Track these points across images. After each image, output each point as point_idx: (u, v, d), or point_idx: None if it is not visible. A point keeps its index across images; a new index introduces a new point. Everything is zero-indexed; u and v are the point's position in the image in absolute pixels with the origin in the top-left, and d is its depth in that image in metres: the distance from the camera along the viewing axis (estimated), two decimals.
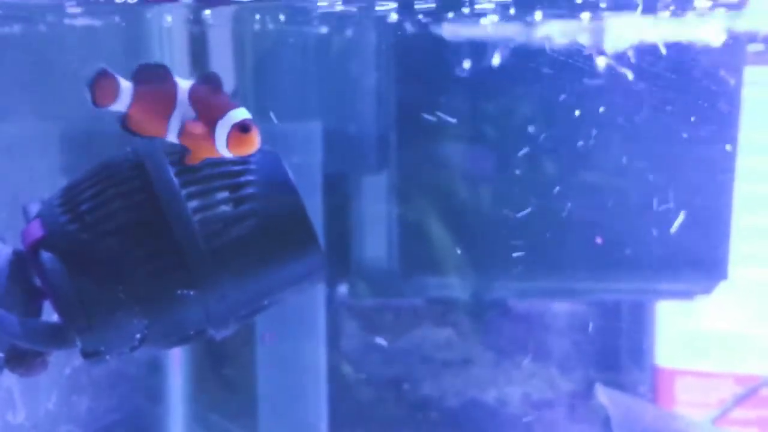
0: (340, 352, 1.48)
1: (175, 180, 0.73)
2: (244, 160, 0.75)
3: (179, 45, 1.29)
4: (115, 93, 0.74)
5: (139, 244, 0.72)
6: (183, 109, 0.73)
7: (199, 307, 0.73)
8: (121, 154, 0.76)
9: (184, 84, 0.74)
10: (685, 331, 1.48)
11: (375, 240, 1.40)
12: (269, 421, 1.36)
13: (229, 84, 1.30)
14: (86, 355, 0.74)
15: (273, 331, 1.33)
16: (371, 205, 1.39)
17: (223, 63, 1.31)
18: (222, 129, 0.72)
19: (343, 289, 1.45)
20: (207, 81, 0.74)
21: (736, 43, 1.27)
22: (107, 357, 0.75)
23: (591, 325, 1.52)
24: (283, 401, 1.36)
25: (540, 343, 1.52)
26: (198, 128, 0.73)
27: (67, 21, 1.12)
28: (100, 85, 0.74)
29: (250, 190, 0.74)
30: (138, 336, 0.73)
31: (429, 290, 1.45)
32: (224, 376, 1.45)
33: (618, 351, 1.53)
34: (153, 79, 0.73)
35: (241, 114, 0.73)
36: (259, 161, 0.76)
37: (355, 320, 1.50)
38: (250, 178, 0.75)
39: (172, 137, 0.73)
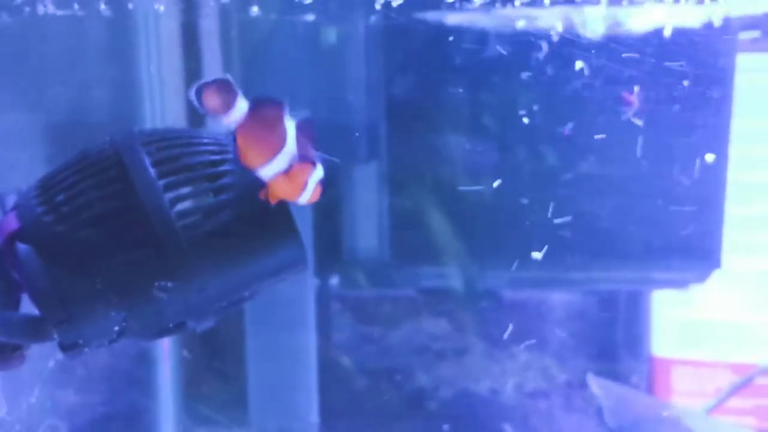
0: (333, 343, 1.48)
1: (153, 170, 0.72)
2: (222, 149, 0.74)
3: (168, 35, 1.28)
4: (228, 104, 0.72)
5: (116, 236, 0.71)
6: (290, 148, 0.72)
7: (178, 298, 0.72)
8: (98, 144, 0.75)
9: (290, 124, 0.72)
10: (682, 321, 1.48)
11: (366, 230, 1.39)
12: (260, 413, 1.35)
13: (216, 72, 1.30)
14: (64, 348, 0.74)
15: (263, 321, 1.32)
16: (362, 195, 1.38)
17: (213, 53, 1.30)
18: (313, 181, 0.72)
19: (335, 280, 1.44)
20: (304, 125, 0.73)
21: (728, 30, 1.26)
22: (86, 350, 0.74)
23: (586, 314, 1.51)
24: (273, 392, 1.36)
25: (535, 333, 1.51)
26: (305, 173, 0.72)
27: (50, 10, 1.11)
28: (218, 91, 0.72)
29: (228, 180, 0.73)
30: (116, 328, 0.73)
31: (421, 280, 1.44)
32: (214, 367, 1.44)
33: (614, 340, 1.52)
34: (267, 110, 0.72)
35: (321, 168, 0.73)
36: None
37: (348, 311, 1.49)
38: (228, 168, 0.74)
39: (268, 171, 0.72)
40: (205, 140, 0.75)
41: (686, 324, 1.47)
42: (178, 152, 0.74)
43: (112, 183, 0.72)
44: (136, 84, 1.22)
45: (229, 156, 0.74)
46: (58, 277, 0.71)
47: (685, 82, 1.22)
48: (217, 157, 0.74)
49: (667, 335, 1.49)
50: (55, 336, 0.72)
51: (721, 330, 1.46)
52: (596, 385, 1.23)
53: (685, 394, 1.48)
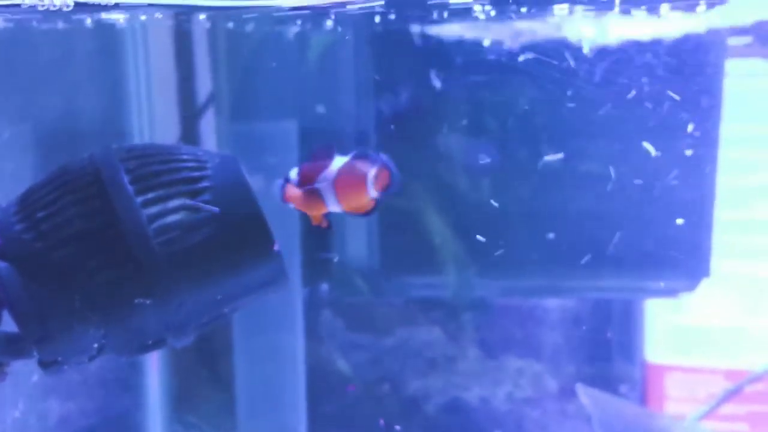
0: (324, 350, 1.47)
1: (130, 187, 0.72)
2: (201, 166, 0.74)
3: (157, 43, 1.28)
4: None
5: (95, 253, 0.71)
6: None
7: (157, 315, 0.72)
8: (78, 161, 0.75)
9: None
10: (675, 327, 1.47)
11: (356, 239, 1.38)
12: (247, 421, 1.35)
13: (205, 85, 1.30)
14: (44, 365, 0.73)
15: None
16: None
17: (203, 62, 1.30)
18: None
19: (325, 288, 1.43)
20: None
21: (717, 35, 1.25)
22: (65, 367, 0.74)
23: (579, 321, 1.51)
24: (261, 401, 1.35)
25: (527, 340, 1.51)
26: None
27: (35, 23, 1.11)
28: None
29: (207, 197, 0.73)
30: (95, 345, 0.73)
31: (411, 290, 1.43)
32: (203, 375, 1.44)
33: (607, 347, 1.51)
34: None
35: None
36: (217, 167, 0.75)
37: (339, 319, 1.49)
38: (207, 184, 0.74)
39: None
40: (185, 156, 0.75)
41: (679, 330, 1.47)
42: (157, 169, 0.73)
43: (91, 200, 0.72)
44: (124, 94, 1.22)
45: (208, 172, 0.74)
46: (37, 295, 0.71)
47: (672, 92, 1.23)
48: (197, 174, 0.74)
49: (660, 341, 1.48)
50: (35, 353, 0.72)
51: (714, 336, 1.46)
52: (585, 395, 1.22)
53: (678, 400, 1.48)
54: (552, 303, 1.51)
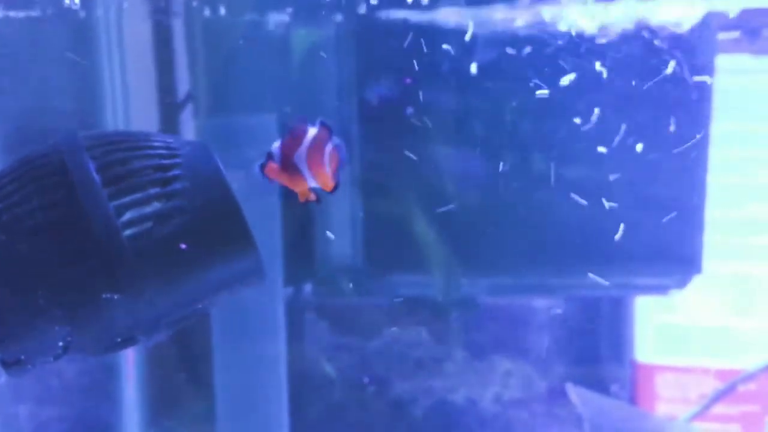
0: (308, 353, 1.44)
1: (97, 177, 0.68)
2: (172, 153, 0.71)
3: (133, 36, 1.24)
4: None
5: (59, 246, 0.67)
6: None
7: (125, 312, 0.68)
8: (41, 149, 0.71)
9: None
10: (665, 326, 1.46)
11: (340, 237, 1.35)
12: (228, 427, 1.31)
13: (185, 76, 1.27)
14: (6, 365, 0.70)
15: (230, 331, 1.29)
16: (335, 201, 1.34)
17: (181, 53, 1.26)
18: None
19: (308, 288, 1.40)
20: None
21: (707, 31, 1.23)
22: (29, 367, 0.71)
23: (567, 321, 1.49)
24: (242, 406, 1.32)
25: (515, 340, 1.48)
26: None
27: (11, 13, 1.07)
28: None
29: (179, 185, 0.70)
30: (61, 344, 0.69)
31: (397, 289, 1.39)
32: (181, 379, 1.40)
33: (596, 347, 1.50)
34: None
35: None
36: (189, 154, 0.71)
37: (323, 320, 1.46)
38: (179, 172, 0.70)
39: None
40: (155, 143, 0.72)
41: (670, 329, 1.46)
42: (124, 156, 0.70)
43: (54, 190, 0.69)
44: (98, 89, 1.18)
45: (179, 160, 0.70)
46: None
47: (663, 85, 1.20)
48: (167, 161, 0.71)
49: (651, 341, 1.47)
50: None
51: (705, 335, 1.45)
52: (576, 395, 1.20)
53: (668, 400, 1.46)
54: (540, 303, 1.48)
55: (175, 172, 0.70)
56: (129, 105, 1.24)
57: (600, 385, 1.45)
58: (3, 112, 1.17)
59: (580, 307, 1.49)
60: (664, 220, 1.25)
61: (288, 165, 0.78)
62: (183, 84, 1.30)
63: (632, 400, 1.47)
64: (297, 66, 1.28)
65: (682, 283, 1.33)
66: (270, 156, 0.79)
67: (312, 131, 0.79)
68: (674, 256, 1.29)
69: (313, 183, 0.80)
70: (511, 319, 1.48)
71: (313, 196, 0.81)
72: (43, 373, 0.71)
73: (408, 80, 1.22)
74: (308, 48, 1.27)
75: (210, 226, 0.69)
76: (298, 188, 0.80)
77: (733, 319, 1.43)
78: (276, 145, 0.79)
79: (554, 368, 1.49)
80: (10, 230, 0.68)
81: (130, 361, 1.30)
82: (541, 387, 1.48)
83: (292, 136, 0.78)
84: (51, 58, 1.17)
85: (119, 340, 0.71)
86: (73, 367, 1.24)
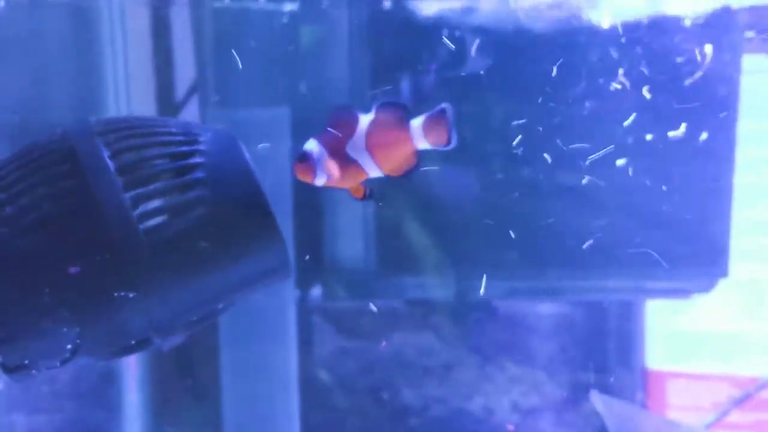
0: (314, 358, 1.39)
1: (111, 164, 0.63)
2: (192, 140, 0.65)
3: (135, 24, 1.19)
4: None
5: (67, 239, 0.62)
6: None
7: (140, 311, 0.63)
8: (48, 136, 0.66)
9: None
10: (677, 331, 1.43)
11: (350, 238, 1.30)
12: None
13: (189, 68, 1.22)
14: (8, 370, 0.64)
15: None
16: (346, 200, 1.29)
17: (185, 44, 1.21)
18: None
19: (316, 291, 1.35)
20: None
21: (734, 30, 1.19)
22: (33, 372, 0.65)
23: (578, 326, 1.45)
24: (250, 413, 1.26)
25: (526, 346, 1.44)
26: None
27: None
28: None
29: (200, 174, 0.64)
30: (69, 347, 0.64)
31: (408, 291, 1.35)
32: (185, 386, 1.35)
33: (606, 353, 1.45)
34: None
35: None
36: (211, 141, 0.66)
37: (330, 324, 1.41)
38: (200, 160, 0.64)
39: None
40: (173, 129, 0.66)
41: (681, 335, 1.42)
42: (140, 142, 0.65)
43: (63, 179, 0.63)
44: (100, 79, 1.13)
45: (201, 146, 0.65)
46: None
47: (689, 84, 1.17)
48: (187, 148, 0.65)
49: (662, 347, 1.44)
50: None
51: (718, 341, 1.41)
52: (600, 402, 1.15)
53: (680, 408, 1.43)
54: (551, 308, 1.45)
55: (196, 159, 0.65)
56: (131, 96, 1.18)
57: (609, 393, 1.34)
58: (2, 102, 1.11)
59: (590, 313, 1.45)
60: (690, 220, 1.22)
61: (340, 159, 0.71)
62: (185, 74, 1.25)
63: (642, 407, 1.41)
64: (304, 57, 1.23)
65: (707, 287, 1.30)
66: (304, 156, 0.71)
67: (365, 118, 0.72)
68: (699, 258, 1.26)
69: (376, 172, 0.72)
70: (520, 325, 1.45)
71: (366, 191, 0.74)
72: (26, 382, 0.66)
73: (432, 67, 1.17)
74: (316, 38, 1.23)
75: (234, 218, 0.64)
76: (354, 183, 0.73)
77: (748, 323, 1.39)
78: (311, 144, 0.71)
79: (564, 376, 1.45)
80: (14, 223, 0.62)
81: (131, 364, 1.25)
82: (553, 395, 1.44)
83: (337, 127, 0.71)
84: (52, 47, 1.11)
85: (132, 343, 0.65)
86: (69, 371, 1.19)
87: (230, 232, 0.63)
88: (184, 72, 1.26)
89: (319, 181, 0.69)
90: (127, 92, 1.19)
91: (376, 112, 0.71)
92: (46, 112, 1.13)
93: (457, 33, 1.21)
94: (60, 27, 1.14)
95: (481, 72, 1.21)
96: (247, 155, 0.66)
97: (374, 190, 0.74)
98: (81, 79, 1.17)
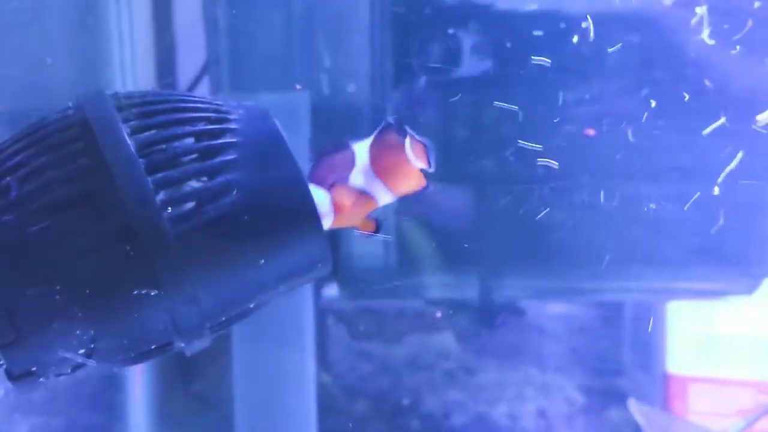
0: (327, 361, 1.35)
1: (131, 143, 0.55)
2: (222, 117, 0.58)
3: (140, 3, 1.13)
4: None
5: (81, 229, 0.55)
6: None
7: (163, 311, 0.56)
8: (60, 111, 0.59)
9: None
10: (699, 335, 1.38)
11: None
12: None
13: (200, 50, 1.16)
14: (13, 377, 0.57)
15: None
16: None
17: (191, 23, 1.15)
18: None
19: (331, 290, 1.29)
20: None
21: None
22: (41, 379, 0.58)
23: (605, 331, 1.44)
24: (263, 420, 1.20)
25: (551, 350, 1.42)
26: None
27: None
28: None
29: (231, 156, 0.57)
30: (82, 351, 0.56)
31: (429, 290, 1.28)
32: (194, 390, 1.30)
33: (631, 357, 1.44)
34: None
35: None
36: (242, 119, 0.59)
37: (344, 326, 1.38)
38: (232, 139, 0.57)
39: None
40: (200, 105, 0.59)
41: (704, 338, 1.39)
42: (164, 119, 0.57)
43: (77, 159, 0.56)
44: (105, 59, 1.06)
45: (232, 125, 0.58)
46: (5, 283, 0.54)
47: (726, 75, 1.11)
48: (217, 127, 0.58)
49: (684, 351, 1.39)
50: (2, 361, 0.56)
51: (743, 345, 1.37)
52: (639, 411, 1.10)
53: (703, 414, 1.38)
54: (574, 311, 1.43)
55: (227, 139, 0.57)
56: (138, 76, 1.12)
57: (626, 398, 1.34)
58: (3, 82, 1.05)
59: (614, 316, 1.43)
60: (729, 218, 1.16)
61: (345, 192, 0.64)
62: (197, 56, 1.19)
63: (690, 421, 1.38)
64: (324, 37, 1.17)
65: (749, 289, 1.24)
66: None
67: (361, 145, 0.66)
68: (740, 257, 1.20)
69: (387, 197, 0.66)
70: (544, 328, 1.42)
71: (374, 225, 0.68)
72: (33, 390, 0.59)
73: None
74: (338, 15, 1.16)
75: (271, 205, 0.56)
76: (364, 214, 0.67)
77: None
78: None
79: (591, 381, 1.42)
80: (21, 209, 0.55)
81: (135, 367, 1.19)
82: (582, 401, 1.41)
83: (331, 161, 0.64)
84: (54, 23, 1.05)
85: (153, 347, 0.58)
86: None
87: (267, 221, 0.56)
88: (192, 55, 1.20)
89: (326, 224, 0.62)
90: (134, 74, 1.13)
91: (377, 135, 0.64)
92: (48, 95, 1.07)
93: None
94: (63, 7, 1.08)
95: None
96: (284, 134, 0.59)
97: (382, 221, 0.68)
98: (85, 59, 1.11)
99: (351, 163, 0.65)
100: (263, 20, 1.13)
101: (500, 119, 1.20)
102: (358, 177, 0.65)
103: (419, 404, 1.37)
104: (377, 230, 0.68)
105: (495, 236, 1.22)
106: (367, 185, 0.65)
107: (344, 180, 0.64)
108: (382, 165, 0.65)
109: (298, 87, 1.14)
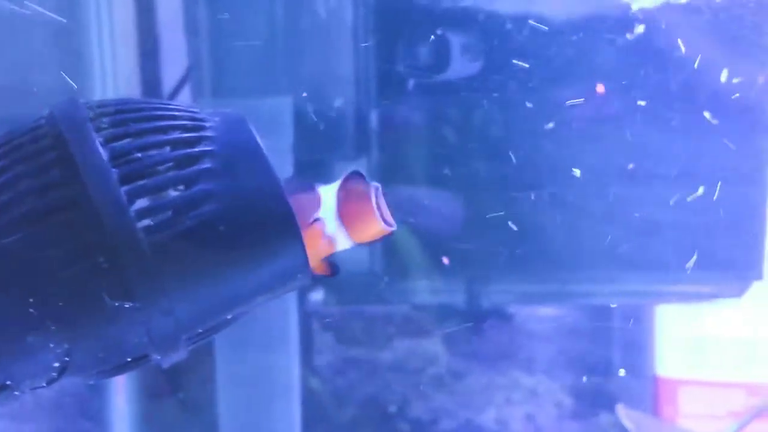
0: (312, 367, 1.34)
1: (104, 152, 0.54)
2: (198, 125, 0.57)
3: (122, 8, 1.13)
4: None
5: (55, 240, 0.54)
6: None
7: (138, 324, 0.55)
8: (32, 121, 0.58)
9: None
10: (689, 337, 1.41)
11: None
12: None
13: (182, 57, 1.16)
14: None
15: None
16: None
17: (173, 29, 1.14)
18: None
19: (317, 295, 1.30)
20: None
21: None
22: (16, 393, 0.57)
23: (593, 335, 1.44)
24: (248, 427, 1.20)
25: (540, 355, 1.42)
26: None
27: None
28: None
29: (207, 165, 0.56)
30: (56, 365, 0.55)
31: (416, 295, 1.29)
32: (177, 396, 1.30)
33: (620, 361, 1.44)
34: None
35: None
36: (219, 126, 0.58)
37: (329, 331, 1.37)
38: (207, 148, 0.56)
39: None
40: (176, 112, 0.58)
41: (694, 341, 1.41)
42: (139, 128, 0.56)
43: (49, 169, 0.55)
44: (85, 63, 1.06)
45: (208, 132, 0.57)
46: None
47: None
48: (193, 135, 0.57)
49: (673, 353, 1.42)
50: None
51: (733, 347, 1.40)
52: (627, 417, 1.11)
53: (693, 417, 1.41)
54: (563, 316, 1.43)
55: (203, 147, 0.57)
56: (118, 85, 1.12)
57: (616, 401, 1.35)
58: None
59: (604, 321, 1.43)
60: (721, 220, 1.16)
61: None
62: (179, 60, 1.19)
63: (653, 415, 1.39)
64: (309, 43, 1.17)
65: (739, 291, 1.25)
66: None
67: (327, 189, 0.65)
68: (731, 260, 1.22)
69: (345, 244, 0.65)
70: (532, 332, 1.42)
71: (331, 270, 0.67)
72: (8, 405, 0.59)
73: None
74: (322, 21, 1.16)
75: (248, 215, 0.56)
76: (321, 255, 0.65)
77: (765, 329, 1.38)
78: None
79: (580, 385, 1.43)
80: None
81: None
82: (571, 406, 1.42)
83: (296, 200, 0.63)
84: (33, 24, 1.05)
85: (128, 359, 0.57)
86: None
87: (244, 230, 0.55)
88: (175, 60, 1.20)
89: None
90: (115, 80, 1.12)
91: (344, 182, 0.64)
92: (28, 102, 1.07)
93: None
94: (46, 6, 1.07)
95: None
96: (261, 142, 0.58)
97: (338, 266, 0.67)
98: (66, 68, 1.10)
99: (316, 206, 0.64)
100: (246, 25, 1.13)
101: (488, 122, 1.20)
102: (324, 215, 0.64)
103: (407, 410, 1.38)
104: (333, 274, 0.67)
105: (483, 240, 1.22)
106: (329, 229, 0.64)
107: (307, 221, 0.63)
108: (346, 212, 0.64)
109: (304, 95, 1.14)
